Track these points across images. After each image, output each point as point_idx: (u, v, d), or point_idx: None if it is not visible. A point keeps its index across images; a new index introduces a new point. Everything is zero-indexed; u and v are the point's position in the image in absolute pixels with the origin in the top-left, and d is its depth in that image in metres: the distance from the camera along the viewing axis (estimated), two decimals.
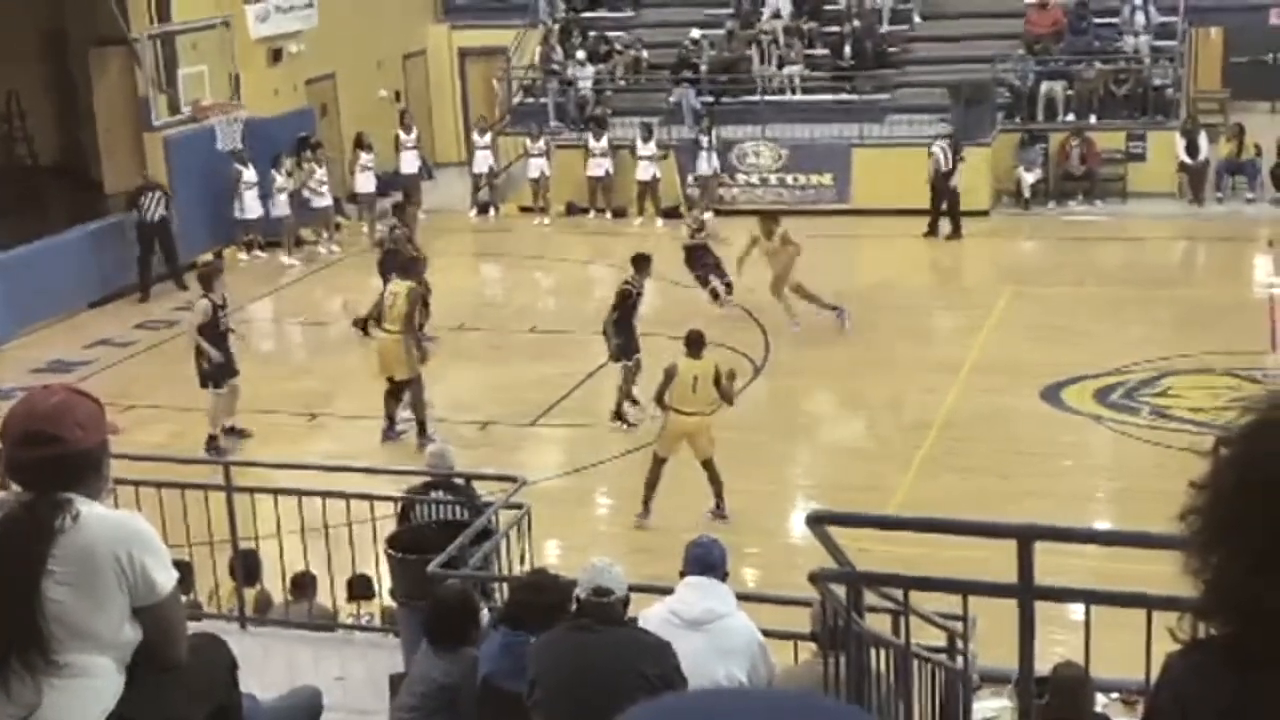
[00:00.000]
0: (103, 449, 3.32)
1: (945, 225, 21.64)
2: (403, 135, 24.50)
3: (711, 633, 5.86)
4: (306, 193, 22.22)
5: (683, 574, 6.16)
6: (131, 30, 20.81)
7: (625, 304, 14.96)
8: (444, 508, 8.56)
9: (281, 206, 21.86)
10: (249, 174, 21.58)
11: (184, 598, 4.78)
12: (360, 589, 9.41)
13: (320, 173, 22.36)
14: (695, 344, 12.65)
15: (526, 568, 7.80)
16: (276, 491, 8.74)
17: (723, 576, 6.20)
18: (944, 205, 21.52)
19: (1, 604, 3.12)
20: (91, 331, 18.91)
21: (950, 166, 21.41)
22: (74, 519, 3.15)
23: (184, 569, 6.55)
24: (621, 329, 14.88)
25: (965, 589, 4.02)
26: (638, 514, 12.61)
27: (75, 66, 23.12)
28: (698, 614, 5.90)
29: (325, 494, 8.61)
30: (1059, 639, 6.22)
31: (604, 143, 23.47)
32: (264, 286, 20.92)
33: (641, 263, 15.32)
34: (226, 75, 21.92)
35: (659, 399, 12.71)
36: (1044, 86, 23.47)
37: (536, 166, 23.78)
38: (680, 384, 12.44)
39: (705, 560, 6.17)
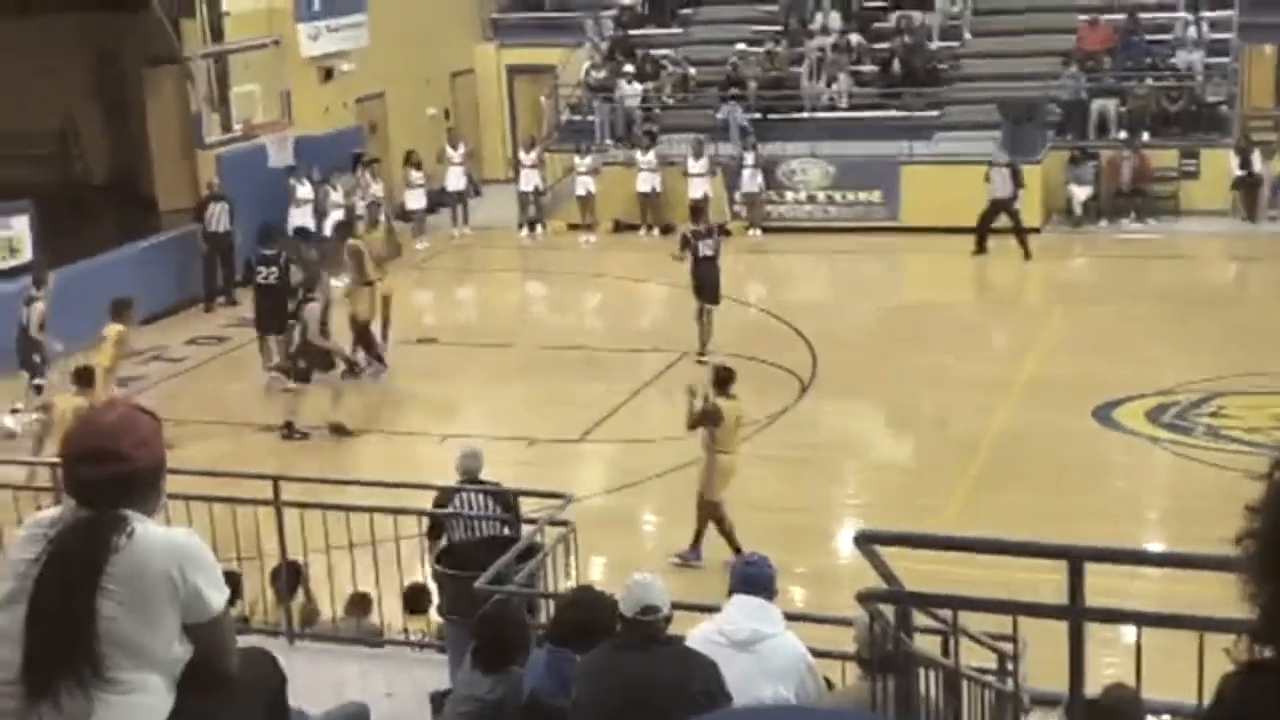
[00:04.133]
0: (160, 467, 3.33)
1: (985, 242, 21.46)
2: (450, 152, 24.62)
3: (759, 653, 5.81)
4: (360, 209, 22.32)
5: (731, 592, 6.12)
6: (185, 50, 21.02)
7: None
8: (482, 508, 8.69)
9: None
10: (303, 190, 21.73)
11: (232, 610, 4.79)
12: (416, 602, 9.39)
13: (375, 188, 22.54)
14: (728, 383, 12.26)
15: (571, 584, 7.79)
16: (325, 507, 8.75)
17: (771, 595, 6.14)
18: (997, 227, 21.34)
19: (57, 620, 3.12)
20: (144, 347, 19.04)
21: (1011, 194, 21.24)
22: (129, 536, 3.15)
23: (233, 580, 6.58)
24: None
25: (1015, 610, 3.97)
26: (726, 560, 11.09)
27: (129, 86, 23.38)
28: (745, 635, 5.84)
29: (373, 509, 8.63)
30: (1110, 661, 6.15)
31: (651, 157, 23.49)
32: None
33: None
34: (278, 93, 22.10)
35: (696, 428, 12.22)
36: (1096, 103, 23.32)
37: (584, 184, 23.82)
38: (727, 426, 12.20)
39: (755, 579, 6.10)
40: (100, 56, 23.99)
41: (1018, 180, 21.33)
